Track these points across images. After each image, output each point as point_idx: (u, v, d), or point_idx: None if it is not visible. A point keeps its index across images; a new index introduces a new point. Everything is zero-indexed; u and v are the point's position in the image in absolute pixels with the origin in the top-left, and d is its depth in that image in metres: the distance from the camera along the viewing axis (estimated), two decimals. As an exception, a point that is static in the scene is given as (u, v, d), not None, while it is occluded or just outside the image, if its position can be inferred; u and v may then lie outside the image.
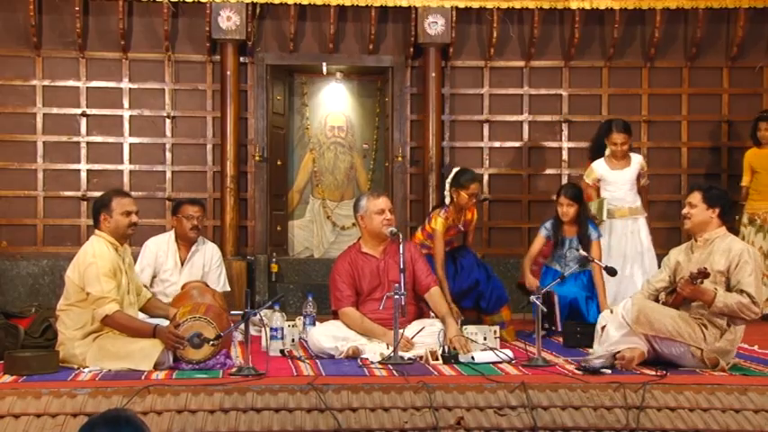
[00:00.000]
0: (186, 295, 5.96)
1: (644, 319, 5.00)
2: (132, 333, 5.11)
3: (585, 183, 7.34)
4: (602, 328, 5.25)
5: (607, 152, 7.33)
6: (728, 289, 5.07)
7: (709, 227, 5.23)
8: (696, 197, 5.26)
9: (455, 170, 6.66)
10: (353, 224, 9.59)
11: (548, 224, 6.89)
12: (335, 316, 5.82)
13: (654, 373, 4.87)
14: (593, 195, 7.30)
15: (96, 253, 5.13)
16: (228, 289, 6.73)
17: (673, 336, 5.03)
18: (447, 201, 6.58)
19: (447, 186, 6.57)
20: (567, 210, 6.75)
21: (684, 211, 5.31)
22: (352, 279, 5.77)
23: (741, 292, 5.00)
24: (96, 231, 5.31)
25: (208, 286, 6.19)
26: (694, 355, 5.06)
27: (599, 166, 7.32)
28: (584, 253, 5.84)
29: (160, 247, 6.51)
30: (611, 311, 5.30)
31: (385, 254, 5.81)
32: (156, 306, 5.55)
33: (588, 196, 7.22)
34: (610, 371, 4.91)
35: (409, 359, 5.27)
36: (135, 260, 5.96)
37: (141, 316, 5.44)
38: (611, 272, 5.94)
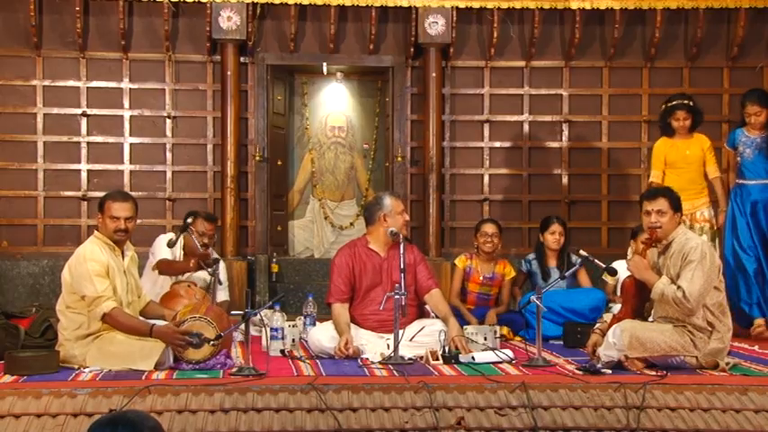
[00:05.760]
0: (174, 294, 6.00)
1: (636, 342, 4.98)
2: (130, 331, 5.11)
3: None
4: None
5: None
6: None
7: (674, 230, 5.23)
8: (664, 204, 5.20)
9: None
10: (352, 224, 9.63)
11: (526, 258, 7.13)
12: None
13: (654, 373, 4.87)
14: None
15: (87, 256, 5.13)
16: (228, 299, 6.83)
17: (667, 352, 5.03)
18: None
19: None
20: (560, 238, 6.96)
21: (653, 219, 5.19)
22: (350, 274, 5.77)
23: (678, 286, 5.01)
24: (95, 231, 5.32)
25: (195, 285, 6.24)
26: (691, 364, 5.07)
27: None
28: (584, 253, 5.84)
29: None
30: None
31: (389, 254, 5.81)
32: (153, 309, 5.55)
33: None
34: (610, 371, 4.91)
35: (409, 359, 5.27)
36: (140, 259, 5.97)
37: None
38: (612, 272, 5.94)
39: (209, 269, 6.31)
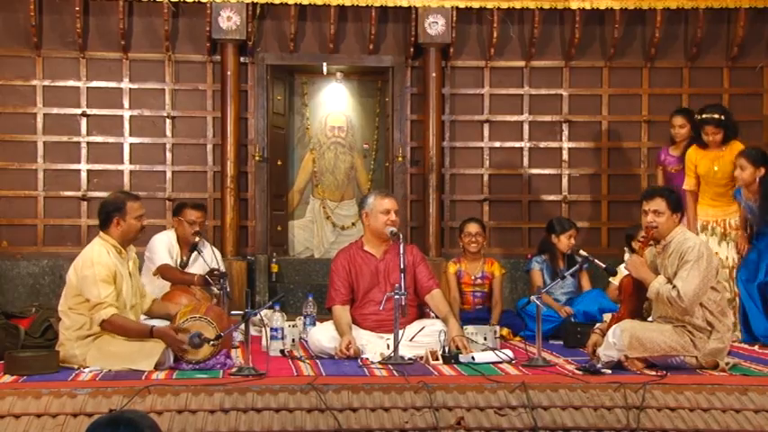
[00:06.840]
0: (174, 294, 6.00)
1: (636, 342, 4.99)
2: (130, 335, 5.12)
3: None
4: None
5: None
6: None
7: (672, 230, 5.23)
8: (661, 204, 5.20)
9: None
10: (353, 224, 9.63)
11: (538, 258, 7.09)
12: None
13: (654, 373, 4.87)
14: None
15: (95, 259, 5.13)
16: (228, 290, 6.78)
17: (667, 352, 5.04)
18: None
19: None
20: (574, 241, 7.01)
21: (649, 219, 5.20)
22: (348, 276, 5.77)
23: (674, 285, 5.02)
24: (102, 234, 5.29)
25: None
26: (691, 364, 5.08)
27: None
28: (584, 253, 5.84)
29: (168, 243, 6.62)
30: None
31: (386, 255, 5.80)
32: (159, 308, 5.57)
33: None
34: (610, 371, 4.92)
35: (409, 359, 5.27)
36: (141, 260, 5.98)
37: (144, 318, 5.46)
38: (611, 272, 5.94)
39: (217, 285, 6.21)
